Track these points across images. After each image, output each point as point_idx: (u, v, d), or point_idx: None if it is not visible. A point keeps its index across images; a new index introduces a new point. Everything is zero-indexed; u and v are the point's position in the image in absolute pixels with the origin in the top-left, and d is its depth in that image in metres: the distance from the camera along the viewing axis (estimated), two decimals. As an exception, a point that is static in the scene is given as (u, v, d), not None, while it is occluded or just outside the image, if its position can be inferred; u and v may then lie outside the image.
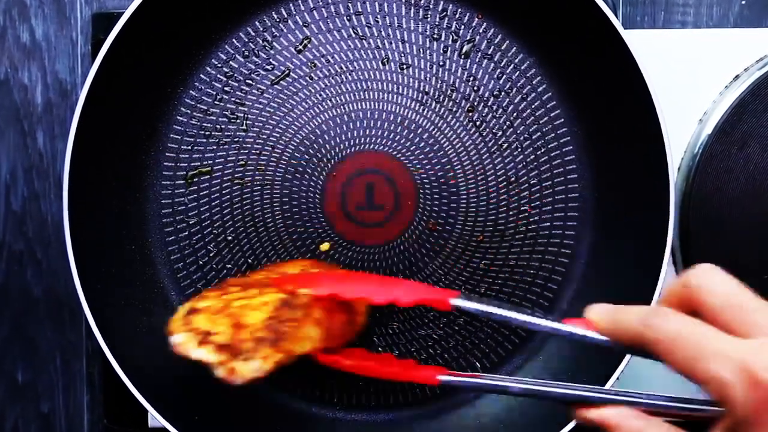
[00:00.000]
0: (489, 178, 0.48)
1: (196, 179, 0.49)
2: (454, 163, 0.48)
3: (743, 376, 0.27)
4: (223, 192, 0.49)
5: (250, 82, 0.48)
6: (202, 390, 0.49)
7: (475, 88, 0.48)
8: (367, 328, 0.49)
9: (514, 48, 0.48)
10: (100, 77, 0.43)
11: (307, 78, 0.48)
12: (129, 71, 0.45)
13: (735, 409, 0.28)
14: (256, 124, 0.49)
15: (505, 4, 0.47)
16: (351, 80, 0.48)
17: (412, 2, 0.48)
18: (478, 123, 0.48)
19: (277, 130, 0.48)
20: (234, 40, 0.48)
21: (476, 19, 0.48)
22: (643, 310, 0.32)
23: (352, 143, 0.48)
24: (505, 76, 0.48)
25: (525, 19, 0.47)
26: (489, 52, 0.48)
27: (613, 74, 0.44)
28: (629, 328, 0.32)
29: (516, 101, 0.48)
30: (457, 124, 0.48)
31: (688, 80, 0.49)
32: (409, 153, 0.48)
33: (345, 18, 0.48)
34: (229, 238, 0.49)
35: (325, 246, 0.48)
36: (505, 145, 0.48)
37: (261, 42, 0.48)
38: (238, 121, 0.49)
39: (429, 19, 0.48)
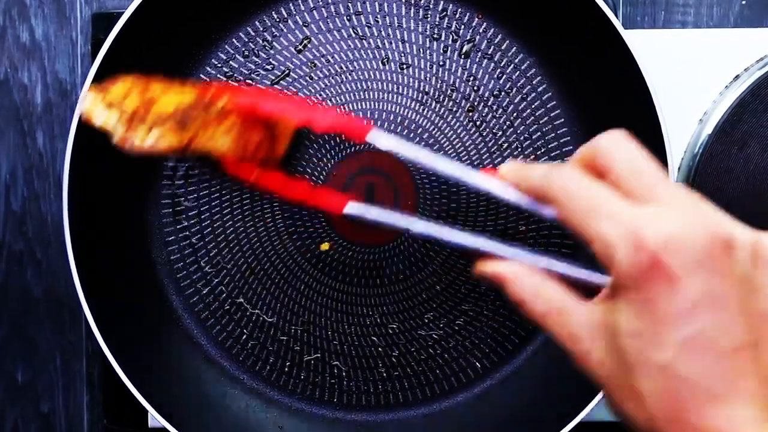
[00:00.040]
0: (489, 178, 0.48)
1: (196, 179, 0.49)
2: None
3: (629, 240, 0.27)
4: (223, 192, 0.49)
5: (250, 82, 0.48)
6: (202, 390, 0.49)
7: (475, 88, 0.48)
8: (367, 328, 0.49)
9: (514, 48, 0.48)
10: (100, 77, 0.43)
11: (307, 78, 0.48)
12: (129, 71, 0.45)
13: (616, 271, 0.28)
14: (256, 124, 0.49)
15: (505, 4, 0.47)
16: (351, 80, 0.48)
17: (412, 2, 0.48)
18: (478, 123, 0.48)
19: (277, 130, 0.48)
20: (234, 40, 0.48)
21: (476, 19, 0.48)
22: (547, 166, 0.33)
23: (352, 143, 0.48)
24: (505, 76, 0.48)
25: (525, 19, 0.47)
26: (489, 52, 0.48)
27: (613, 74, 0.45)
28: (533, 182, 0.33)
29: (516, 101, 0.48)
30: (457, 124, 0.48)
31: (688, 80, 0.49)
32: (409, 153, 0.48)
33: (345, 18, 0.48)
34: (229, 238, 0.49)
35: (325, 246, 0.48)
36: (505, 145, 0.48)
37: (261, 42, 0.48)
38: (238, 121, 0.49)
39: (429, 19, 0.48)
